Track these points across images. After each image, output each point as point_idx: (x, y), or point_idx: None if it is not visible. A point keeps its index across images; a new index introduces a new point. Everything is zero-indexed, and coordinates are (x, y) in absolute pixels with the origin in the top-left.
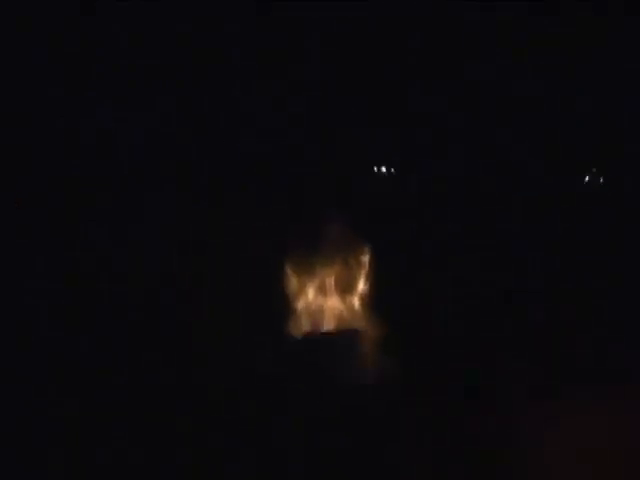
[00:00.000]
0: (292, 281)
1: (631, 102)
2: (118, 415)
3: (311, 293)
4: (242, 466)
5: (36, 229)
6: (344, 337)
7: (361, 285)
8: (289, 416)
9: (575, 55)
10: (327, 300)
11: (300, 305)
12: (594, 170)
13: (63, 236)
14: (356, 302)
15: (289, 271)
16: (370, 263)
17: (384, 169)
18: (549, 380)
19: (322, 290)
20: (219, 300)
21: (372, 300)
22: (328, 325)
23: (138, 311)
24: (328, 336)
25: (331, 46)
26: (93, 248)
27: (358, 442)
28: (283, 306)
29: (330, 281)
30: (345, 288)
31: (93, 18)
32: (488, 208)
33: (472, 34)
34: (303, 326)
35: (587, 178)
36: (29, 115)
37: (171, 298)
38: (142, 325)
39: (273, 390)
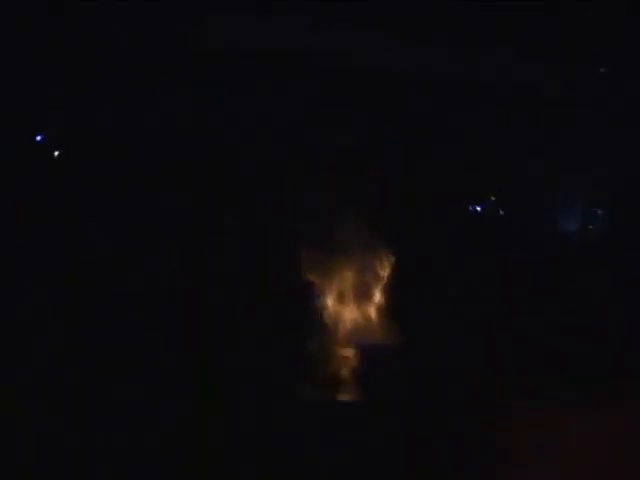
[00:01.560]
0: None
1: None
2: None
3: (329, 301)
4: None
5: (36, 229)
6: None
7: (379, 294)
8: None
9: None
10: (345, 309)
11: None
12: None
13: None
14: (374, 312)
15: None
16: (390, 271)
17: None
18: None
19: (340, 299)
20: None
21: (391, 310)
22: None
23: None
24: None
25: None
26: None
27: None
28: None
29: (348, 290)
30: (363, 297)
31: (93, 18)
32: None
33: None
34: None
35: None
36: (29, 115)
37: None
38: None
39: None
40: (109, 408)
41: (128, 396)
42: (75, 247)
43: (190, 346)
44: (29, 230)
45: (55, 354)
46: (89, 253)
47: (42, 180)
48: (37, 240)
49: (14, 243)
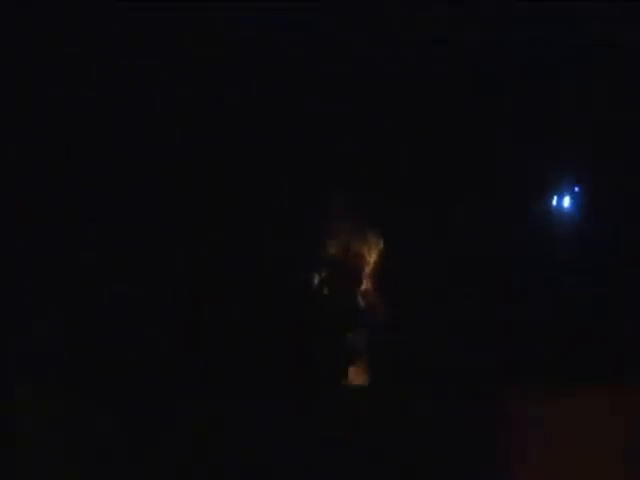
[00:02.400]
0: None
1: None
2: None
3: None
4: None
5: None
6: None
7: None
8: None
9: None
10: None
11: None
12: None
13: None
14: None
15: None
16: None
17: None
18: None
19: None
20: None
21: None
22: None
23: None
24: None
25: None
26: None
27: None
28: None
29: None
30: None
31: (93, 18)
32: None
33: None
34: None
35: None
36: (29, 115)
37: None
38: None
39: None
40: (109, 408)
41: (128, 396)
42: (75, 247)
43: (190, 346)
44: (29, 230)
45: (55, 353)
46: (89, 253)
47: (42, 180)
48: (37, 240)
49: (14, 243)
